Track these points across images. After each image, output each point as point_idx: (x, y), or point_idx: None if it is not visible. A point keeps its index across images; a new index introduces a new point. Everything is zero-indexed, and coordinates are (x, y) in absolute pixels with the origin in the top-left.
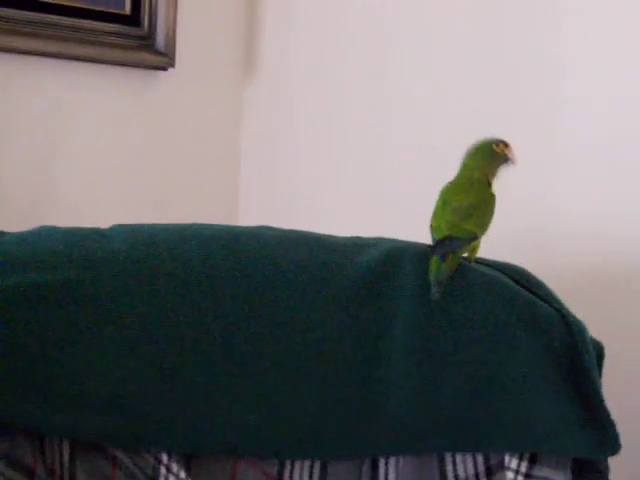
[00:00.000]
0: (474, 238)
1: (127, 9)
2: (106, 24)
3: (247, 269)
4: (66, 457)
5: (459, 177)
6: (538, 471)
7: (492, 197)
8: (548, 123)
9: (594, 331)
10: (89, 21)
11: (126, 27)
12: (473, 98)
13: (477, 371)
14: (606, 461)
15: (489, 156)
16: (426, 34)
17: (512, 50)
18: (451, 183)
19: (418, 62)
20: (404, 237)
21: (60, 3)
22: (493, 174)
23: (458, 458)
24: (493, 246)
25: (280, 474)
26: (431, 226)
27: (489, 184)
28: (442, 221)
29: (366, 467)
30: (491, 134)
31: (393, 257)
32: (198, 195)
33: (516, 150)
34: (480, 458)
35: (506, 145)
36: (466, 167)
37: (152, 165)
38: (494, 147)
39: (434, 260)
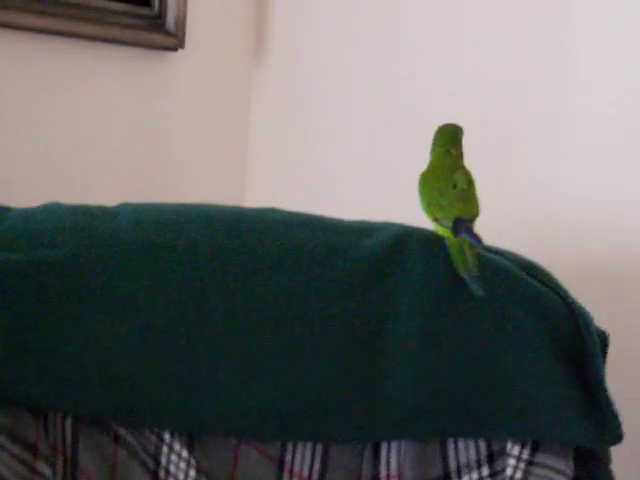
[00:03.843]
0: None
1: None
2: (116, 3)
3: (252, 250)
4: (69, 434)
5: (437, 163)
6: (540, 458)
7: (472, 176)
8: (561, 107)
9: (601, 321)
10: (100, 0)
11: (136, 7)
12: (484, 80)
13: (480, 356)
14: (608, 450)
15: (459, 139)
16: (437, 16)
17: (522, 33)
18: (430, 171)
19: (429, 44)
20: (412, 223)
21: None
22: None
23: (460, 444)
24: (503, 233)
25: (281, 457)
26: (435, 219)
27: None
28: (451, 208)
29: (368, 452)
30: (502, 120)
31: (400, 241)
32: (205, 177)
33: (527, 136)
34: (482, 444)
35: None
36: (441, 152)
37: (160, 146)
38: (458, 131)
39: (465, 246)
